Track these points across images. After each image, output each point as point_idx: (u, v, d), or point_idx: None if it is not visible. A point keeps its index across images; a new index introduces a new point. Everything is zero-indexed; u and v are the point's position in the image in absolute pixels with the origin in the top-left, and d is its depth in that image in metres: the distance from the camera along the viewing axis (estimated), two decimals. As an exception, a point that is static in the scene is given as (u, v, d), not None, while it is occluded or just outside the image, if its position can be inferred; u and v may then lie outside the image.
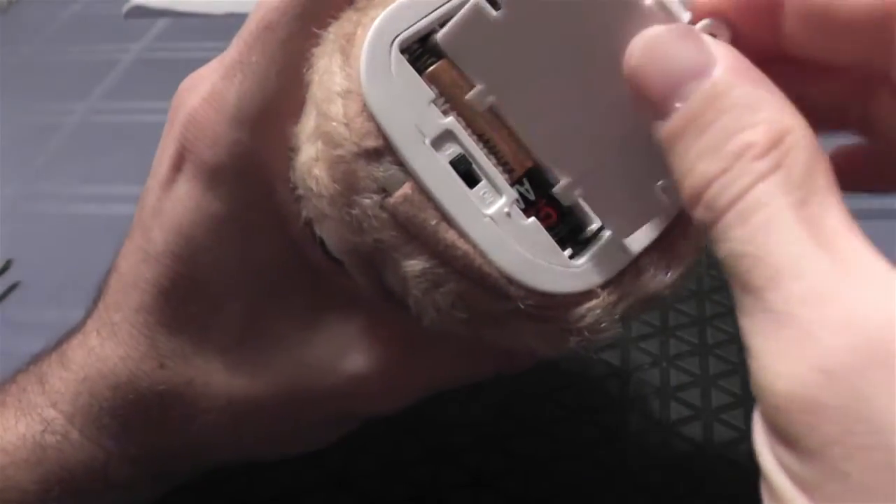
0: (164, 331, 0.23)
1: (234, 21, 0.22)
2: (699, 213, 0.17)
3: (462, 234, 0.20)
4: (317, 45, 0.21)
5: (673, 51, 0.18)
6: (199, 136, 0.22)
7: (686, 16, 0.19)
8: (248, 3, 0.22)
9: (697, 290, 0.37)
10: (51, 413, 0.24)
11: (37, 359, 0.25)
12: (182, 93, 0.23)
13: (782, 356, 0.14)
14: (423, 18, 0.20)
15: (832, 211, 0.16)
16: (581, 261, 0.21)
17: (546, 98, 0.20)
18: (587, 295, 0.20)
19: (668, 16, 0.19)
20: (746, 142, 0.16)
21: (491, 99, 0.20)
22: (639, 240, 0.21)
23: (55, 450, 0.24)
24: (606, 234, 0.21)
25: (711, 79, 0.17)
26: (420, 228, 0.20)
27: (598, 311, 0.20)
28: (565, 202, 0.20)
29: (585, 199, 0.21)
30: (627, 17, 0.18)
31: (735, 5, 0.19)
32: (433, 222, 0.20)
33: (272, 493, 0.30)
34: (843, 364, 0.14)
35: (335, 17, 0.21)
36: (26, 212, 0.46)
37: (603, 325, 0.20)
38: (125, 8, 0.65)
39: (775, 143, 0.16)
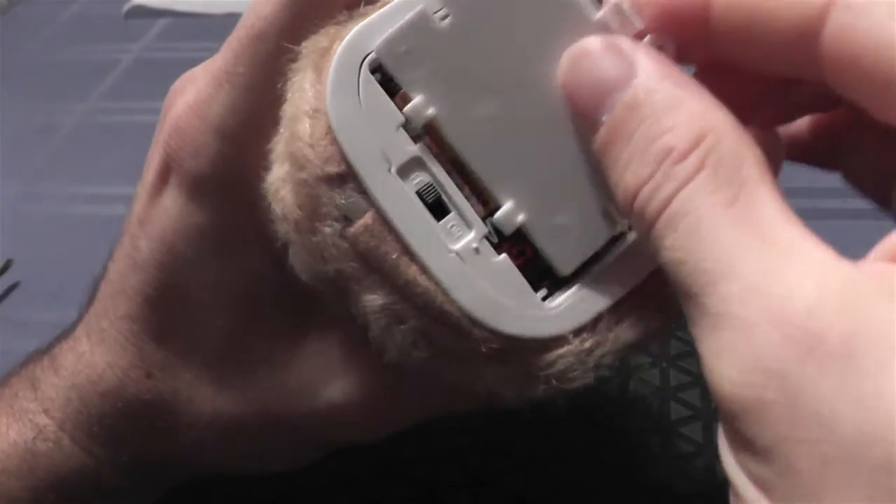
0: (151, 340, 0.23)
1: (233, 21, 0.22)
2: (634, 223, 0.17)
3: (424, 270, 0.19)
4: (295, 59, 0.20)
5: (596, 63, 0.18)
6: (182, 145, 0.21)
7: (639, 24, 0.18)
8: (247, 4, 0.21)
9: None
10: (43, 419, 0.24)
11: (29, 360, 0.25)
12: (172, 94, 0.23)
13: (725, 358, 0.14)
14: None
15: (765, 202, 0.15)
16: (554, 303, 0.19)
17: (489, 114, 0.19)
18: (557, 341, 0.19)
19: (620, 29, 0.18)
20: (667, 146, 0.16)
21: (430, 112, 0.19)
22: (621, 283, 0.19)
23: (47, 457, 0.23)
24: (586, 275, 0.19)
25: (632, 87, 0.17)
26: (380, 261, 0.18)
27: (569, 359, 0.19)
28: (506, 230, 0.19)
29: (529, 226, 0.19)
30: (576, 30, 0.18)
31: (664, 15, 0.18)
32: (394, 255, 0.18)
33: (272, 493, 0.30)
34: (781, 359, 0.14)
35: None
36: (26, 212, 0.46)
37: (574, 373, 0.19)
38: (125, 8, 0.65)
39: (696, 142, 0.16)
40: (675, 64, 0.18)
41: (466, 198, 0.19)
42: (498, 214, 0.19)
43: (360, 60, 0.19)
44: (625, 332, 0.19)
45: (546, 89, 0.19)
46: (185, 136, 0.21)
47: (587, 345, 0.19)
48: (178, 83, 0.23)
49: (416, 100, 0.18)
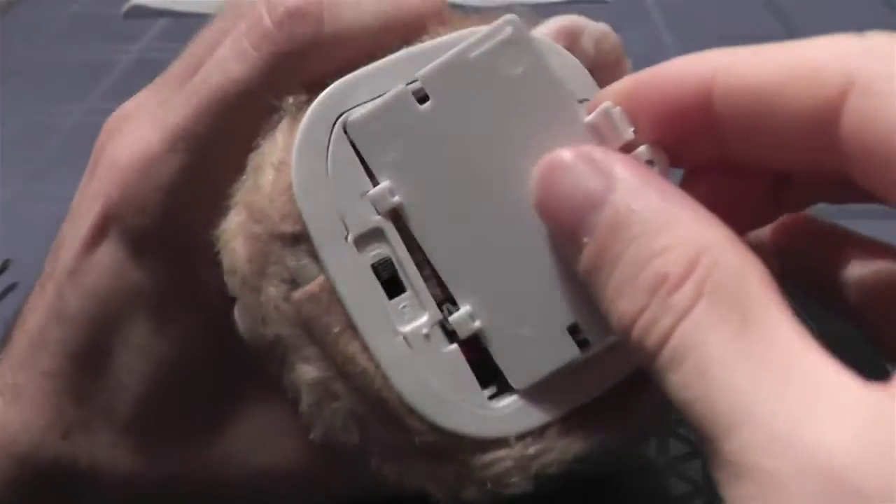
0: (72, 399, 0.22)
1: (233, 21, 0.22)
2: (634, 354, 0.15)
3: (366, 349, 0.17)
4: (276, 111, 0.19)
5: (570, 177, 0.16)
6: (128, 202, 0.20)
7: (629, 133, 0.17)
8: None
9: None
10: None
11: None
12: (106, 134, 0.21)
13: None
14: (380, 96, 0.18)
15: (776, 325, 0.14)
16: (501, 403, 0.18)
17: (458, 210, 0.18)
18: (498, 443, 0.18)
19: (610, 135, 0.17)
20: (660, 273, 0.14)
21: (395, 200, 0.17)
22: (579, 392, 0.18)
23: None
24: (541, 379, 0.18)
25: (610, 206, 0.15)
26: (321, 333, 0.17)
27: (507, 463, 0.18)
28: (461, 333, 0.18)
29: (485, 333, 0.18)
30: (564, 134, 0.17)
31: (664, 115, 0.17)
32: (336, 329, 0.17)
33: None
34: None
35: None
36: (26, 212, 0.46)
37: (512, 479, 0.18)
38: (125, 8, 0.65)
39: (691, 267, 0.14)
40: (657, 174, 0.16)
41: (425, 279, 0.18)
42: (454, 317, 0.18)
43: (335, 117, 0.18)
44: (576, 443, 0.18)
45: (524, 193, 0.17)
46: (132, 194, 0.20)
47: (531, 451, 0.18)
48: (110, 122, 0.22)
49: (383, 185, 0.17)
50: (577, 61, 0.19)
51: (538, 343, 0.18)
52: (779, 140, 0.16)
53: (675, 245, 0.14)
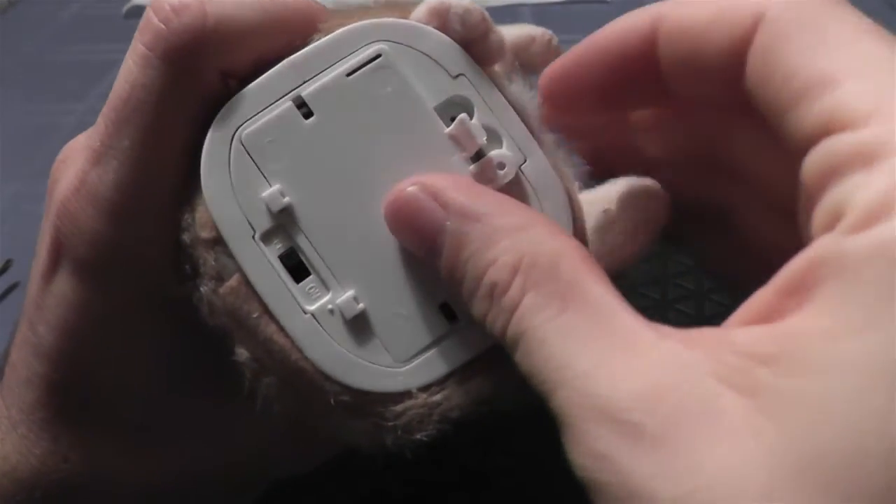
0: (64, 424, 0.22)
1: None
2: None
3: (281, 329, 0.20)
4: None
5: (413, 211, 0.19)
6: (74, 231, 0.21)
7: (482, 140, 0.20)
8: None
9: (696, 290, 0.37)
10: None
11: None
12: (57, 166, 0.22)
13: (571, 450, 0.16)
14: (270, 105, 0.20)
15: (592, 298, 0.16)
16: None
17: (339, 208, 0.20)
18: (404, 395, 0.20)
19: (467, 143, 0.20)
20: (491, 283, 0.17)
21: (286, 200, 0.20)
22: (475, 344, 0.21)
23: None
24: (442, 336, 0.21)
25: (448, 233, 0.18)
26: (244, 320, 0.20)
27: (413, 412, 0.20)
28: (346, 314, 0.20)
29: (368, 314, 0.21)
30: (428, 142, 0.20)
31: (619, 58, 0.19)
32: (255, 315, 0.20)
33: (271, 493, 0.30)
34: (612, 448, 0.15)
35: (211, 92, 0.20)
36: (26, 212, 0.46)
37: (419, 423, 0.20)
38: (125, 8, 0.65)
39: (514, 269, 0.17)
40: (487, 190, 0.19)
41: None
42: (340, 300, 0.20)
43: (232, 133, 0.20)
44: (476, 388, 0.21)
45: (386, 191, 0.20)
46: (76, 221, 0.21)
47: (435, 398, 0.21)
48: (63, 153, 0.22)
49: (273, 188, 0.20)
50: (449, 40, 0.21)
51: (413, 320, 0.21)
52: (710, 76, 0.18)
53: (499, 256, 0.17)
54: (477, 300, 0.18)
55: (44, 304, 0.22)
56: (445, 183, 0.19)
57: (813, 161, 0.15)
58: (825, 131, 0.15)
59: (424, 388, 0.21)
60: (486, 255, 0.17)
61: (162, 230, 0.21)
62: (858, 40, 0.16)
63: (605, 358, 0.16)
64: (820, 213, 0.15)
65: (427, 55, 0.21)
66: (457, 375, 0.21)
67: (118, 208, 0.20)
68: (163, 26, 0.20)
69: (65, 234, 0.21)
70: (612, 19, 0.21)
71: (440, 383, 0.21)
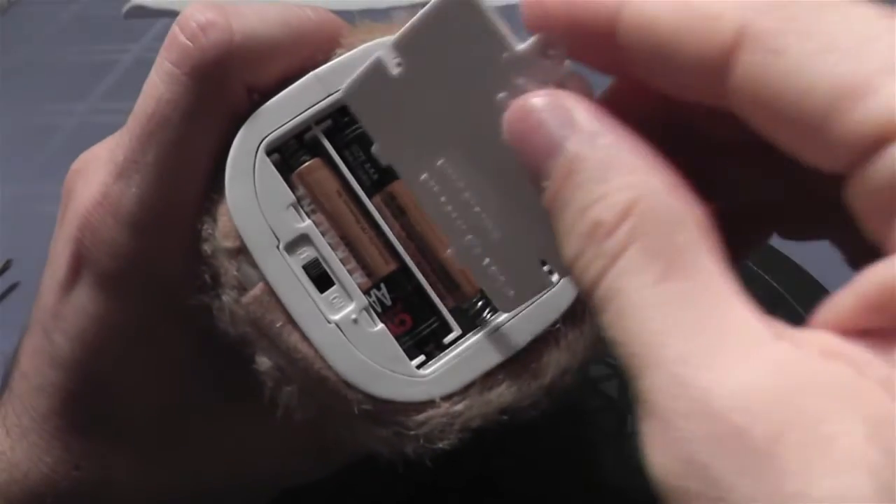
0: (77, 433, 0.22)
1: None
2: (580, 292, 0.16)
3: (304, 338, 0.20)
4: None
5: (529, 126, 0.16)
6: (96, 243, 0.21)
7: (568, 66, 0.17)
8: (246, 3, 0.21)
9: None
10: None
11: None
12: (73, 176, 0.22)
13: (654, 445, 0.14)
14: (296, 117, 0.20)
15: (704, 273, 0.14)
16: (427, 370, 0.21)
17: (441, 158, 0.18)
18: (426, 404, 0.21)
19: (550, 64, 0.17)
20: (595, 219, 0.15)
21: (388, 155, 0.19)
22: (496, 353, 0.21)
23: None
24: (464, 344, 0.21)
25: (564, 154, 0.16)
26: (267, 329, 0.20)
27: (437, 421, 0.21)
28: (459, 263, 0.20)
29: (473, 270, 0.19)
30: (508, 70, 0.17)
31: (569, 27, 0.17)
32: (278, 324, 0.20)
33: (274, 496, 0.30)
34: (705, 452, 0.13)
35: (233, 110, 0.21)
36: (26, 212, 0.46)
37: (441, 432, 0.21)
38: (125, 8, 0.65)
39: (625, 213, 0.15)
40: (615, 119, 0.16)
41: (350, 272, 0.21)
42: (449, 251, 0.19)
43: (258, 143, 0.20)
44: (497, 397, 0.21)
45: (491, 135, 0.17)
46: (98, 234, 0.21)
47: (457, 407, 0.21)
48: (77, 163, 0.22)
49: (377, 144, 0.18)
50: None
51: (522, 274, 0.19)
52: (676, 79, 0.16)
53: (612, 192, 0.15)
54: (573, 237, 0.15)
55: (61, 314, 0.22)
56: (575, 101, 0.16)
57: (879, 172, 0.13)
58: (882, 140, 0.13)
59: (447, 398, 0.21)
60: (598, 186, 0.15)
61: (182, 242, 0.21)
62: (867, 34, 0.14)
63: (710, 345, 0.13)
64: None
65: None
66: (478, 385, 0.21)
67: (141, 222, 0.20)
68: (190, 44, 0.20)
69: (86, 246, 0.21)
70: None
71: (462, 392, 0.21)
